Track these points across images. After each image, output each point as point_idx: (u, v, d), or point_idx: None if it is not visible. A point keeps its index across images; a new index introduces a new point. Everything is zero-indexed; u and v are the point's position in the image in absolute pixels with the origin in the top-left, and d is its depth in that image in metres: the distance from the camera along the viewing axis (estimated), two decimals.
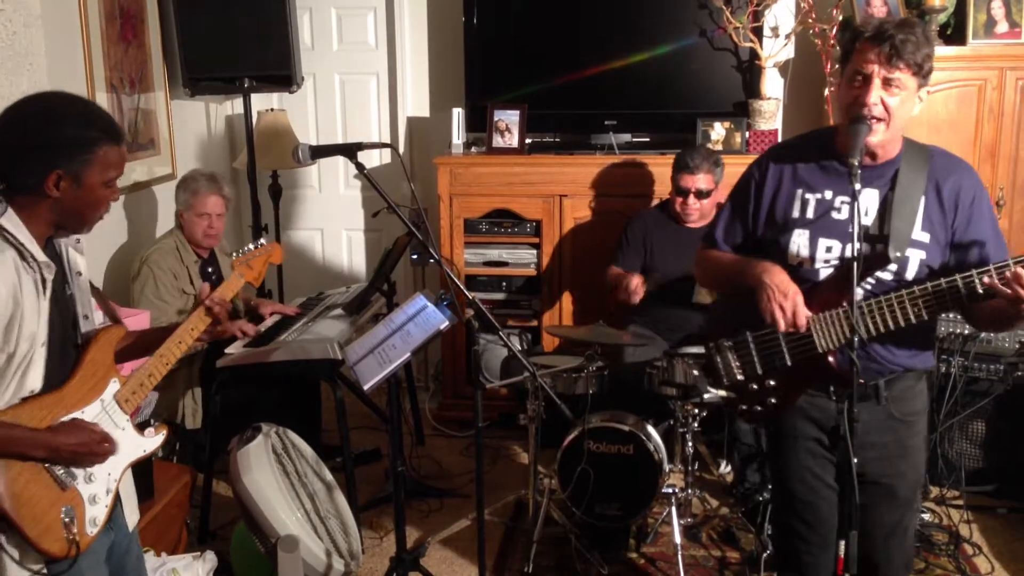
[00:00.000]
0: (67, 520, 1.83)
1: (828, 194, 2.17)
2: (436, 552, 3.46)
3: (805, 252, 2.16)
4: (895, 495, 2.24)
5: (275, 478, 2.95)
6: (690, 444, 3.46)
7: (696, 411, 3.43)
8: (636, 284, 3.68)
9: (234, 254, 2.34)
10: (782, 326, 2.11)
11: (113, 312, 2.08)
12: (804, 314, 2.10)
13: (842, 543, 1.95)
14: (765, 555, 3.19)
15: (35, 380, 1.82)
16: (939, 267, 2.11)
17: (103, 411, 1.92)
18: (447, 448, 4.42)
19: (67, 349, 1.90)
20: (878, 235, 2.10)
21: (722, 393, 2.33)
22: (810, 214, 2.17)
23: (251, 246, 2.36)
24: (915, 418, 2.25)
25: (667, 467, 3.45)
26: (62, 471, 1.84)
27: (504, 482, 3.92)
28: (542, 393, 3.35)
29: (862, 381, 2.12)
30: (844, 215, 2.14)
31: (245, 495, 2.90)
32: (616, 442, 3.36)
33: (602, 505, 3.37)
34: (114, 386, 1.95)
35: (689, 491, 3.51)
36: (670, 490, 3.37)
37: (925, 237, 2.10)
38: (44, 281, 1.82)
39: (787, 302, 2.09)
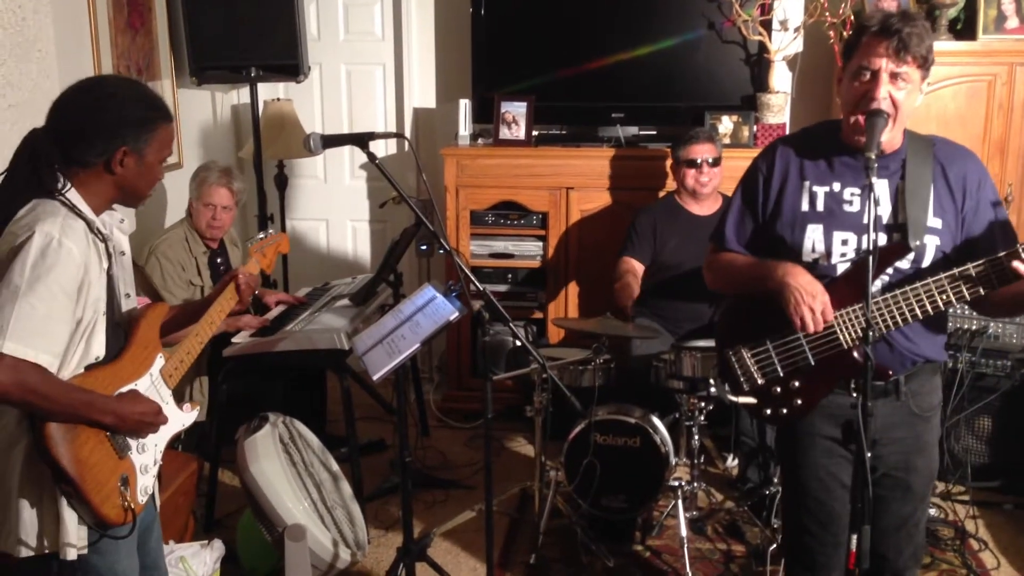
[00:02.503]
0: (122, 488, 1.90)
1: (836, 186, 2.15)
2: (441, 543, 3.46)
3: (821, 247, 2.14)
4: (909, 489, 2.23)
5: (282, 467, 2.95)
6: (696, 437, 3.46)
7: (702, 404, 3.42)
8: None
9: (249, 242, 2.39)
10: (811, 328, 2.08)
11: (155, 290, 2.17)
12: (831, 313, 2.07)
13: (854, 537, 1.94)
14: (771, 548, 3.19)
15: (99, 347, 1.89)
16: (952, 251, 2.11)
17: (151, 385, 2.00)
18: (451, 439, 4.42)
19: (114, 324, 1.97)
20: (895, 224, 2.09)
21: (743, 399, 2.32)
22: (820, 207, 2.16)
23: (262, 235, 2.43)
24: (932, 413, 2.25)
25: (673, 460, 3.45)
26: (120, 439, 1.91)
27: (509, 474, 3.92)
28: (549, 385, 3.35)
29: (891, 374, 2.12)
30: (856, 207, 2.13)
31: (252, 484, 2.90)
32: (622, 434, 3.36)
33: (608, 497, 3.37)
34: (160, 361, 2.04)
35: (695, 484, 3.51)
36: (676, 483, 3.37)
37: (938, 223, 2.10)
38: (104, 253, 1.90)
39: (816, 303, 2.06)
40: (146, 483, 1.98)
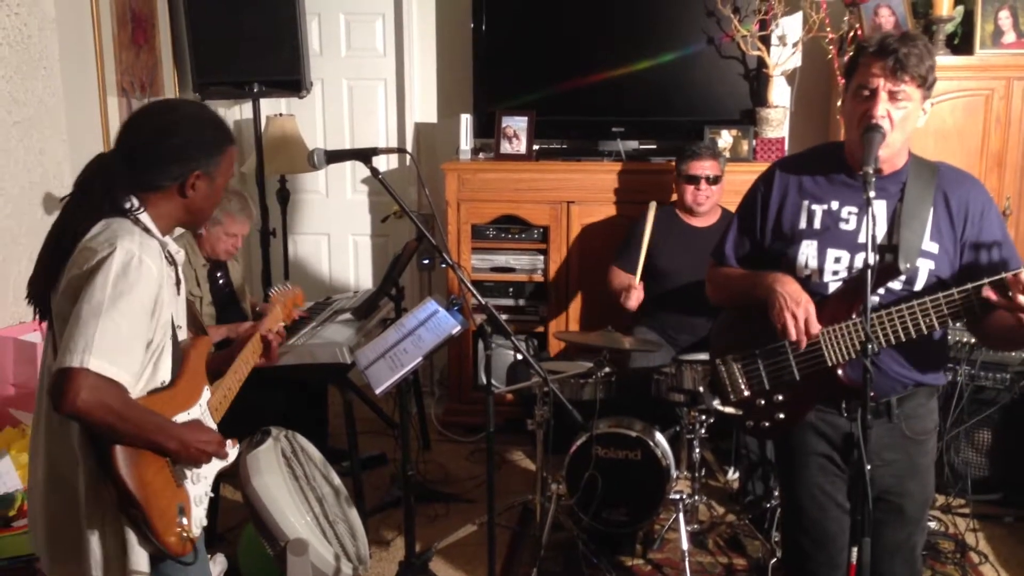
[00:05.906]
0: (180, 517, 1.84)
1: (835, 205, 2.17)
2: (443, 557, 3.46)
3: (814, 263, 2.16)
4: (903, 513, 2.23)
5: (284, 481, 2.95)
6: (697, 450, 3.47)
7: (703, 417, 3.43)
8: (636, 297, 3.71)
9: (272, 289, 2.48)
10: (793, 336, 2.08)
11: (200, 324, 2.14)
12: (816, 324, 2.08)
13: (855, 550, 1.94)
14: (772, 562, 3.19)
15: (165, 371, 1.86)
16: (948, 276, 2.12)
17: (202, 416, 1.96)
18: (452, 453, 4.42)
19: (175, 351, 1.93)
20: (888, 246, 2.10)
21: (729, 410, 2.32)
22: (817, 225, 2.17)
23: (280, 286, 2.52)
24: (926, 437, 2.25)
25: (674, 473, 3.45)
26: (178, 468, 1.87)
27: (509, 487, 3.92)
28: (550, 398, 3.35)
29: (873, 395, 2.09)
30: (852, 225, 2.15)
31: (255, 498, 2.90)
32: (624, 448, 3.37)
33: (609, 511, 3.37)
34: (207, 393, 2.00)
35: (696, 497, 3.52)
36: (677, 496, 3.37)
37: (934, 247, 2.11)
38: (175, 277, 1.89)
39: (799, 310, 2.07)
40: (199, 515, 1.93)
